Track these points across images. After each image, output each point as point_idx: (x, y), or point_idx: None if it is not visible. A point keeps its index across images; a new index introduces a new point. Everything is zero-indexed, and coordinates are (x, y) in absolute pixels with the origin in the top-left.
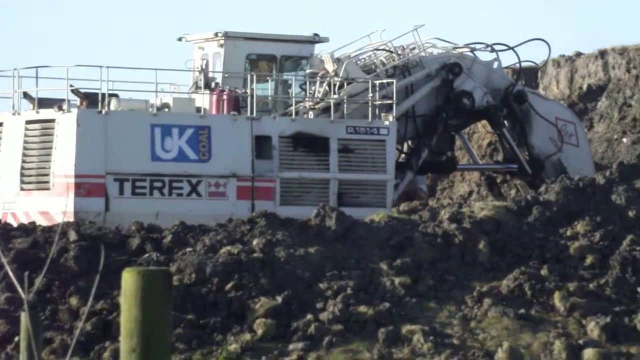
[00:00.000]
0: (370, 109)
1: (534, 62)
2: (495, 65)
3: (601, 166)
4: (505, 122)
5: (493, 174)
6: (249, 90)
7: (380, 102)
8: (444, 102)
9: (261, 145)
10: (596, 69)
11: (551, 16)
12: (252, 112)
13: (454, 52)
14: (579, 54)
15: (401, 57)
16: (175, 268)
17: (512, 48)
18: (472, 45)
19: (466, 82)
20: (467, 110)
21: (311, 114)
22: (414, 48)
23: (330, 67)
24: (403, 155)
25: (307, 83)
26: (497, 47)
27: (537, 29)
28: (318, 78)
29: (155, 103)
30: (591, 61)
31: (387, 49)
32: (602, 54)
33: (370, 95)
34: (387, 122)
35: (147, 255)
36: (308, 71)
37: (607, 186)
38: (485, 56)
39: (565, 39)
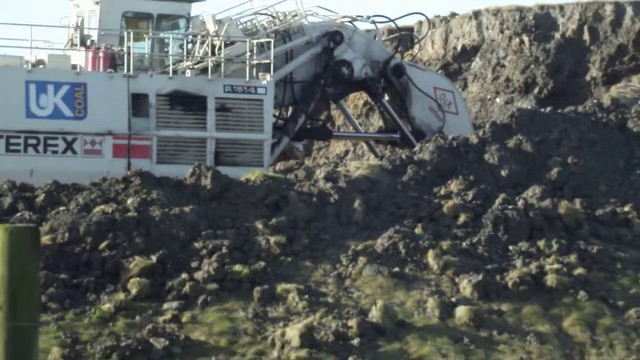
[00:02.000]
0: (247, 69)
1: (414, 35)
2: (375, 37)
3: (475, 126)
4: (385, 94)
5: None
6: (125, 48)
7: (257, 62)
8: (323, 70)
9: (138, 103)
10: (470, 29)
11: None
12: (128, 70)
13: (335, 21)
14: (453, 15)
15: (283, 22)
16: (48, 227)
17: (392, 20)
18: (353, 17)
19: (346, 52)
20: (346, 79)
21: (189, 74)
22: (295, 15)
23: (211, 27)
24: (280, 122)
25: (186, 42)
26: (377, 19)
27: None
28: (198, 38)
29: (30, 60)
30: (465, 22)
31: (269, 13)
32: (476, 14)
33: (249, 53)
34: (264, 82)
35: (19, 214)
36: (189, 31)
37: (480, 145)
38: (365, 28)
39: None
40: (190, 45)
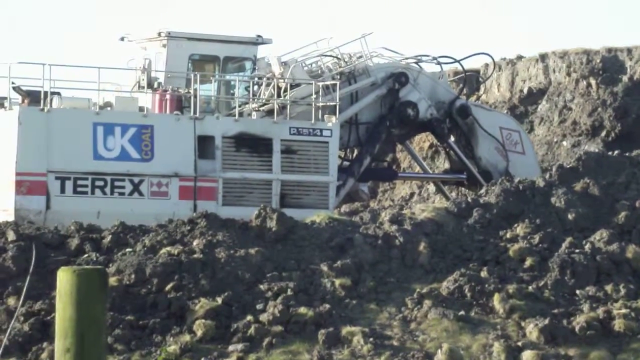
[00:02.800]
0: (313, 111)
1: (480, 76)
2: (441, 77)
3: (542, 169)
4: (451, 134)
5: (442, 184)
6: (192, 91)
7: (323, 104)
8: (389, 111)
9: (204, 145)
10: (537, 72)
11: (493, 19)
12: (195, 112)
13: (400, 62)
14: (520, 57)
15: (348, 64)
16: (114, 268)
17: (458, 61)
18: (418, 57)
19: (411, 93)
20: (411, 120)
21: (256, 116)
22: (360, 56)
23: (276, 69)
24: (346, 162)
25: (252, 84)
26: (442, 60)
27: (479, 32)
28: (264, 80)
29: (97, 102)
30: (532, 64)
31: (334, 55)
32: (543, 57)
33: (314, 96)
34: (330, 124)
35: (86, 255)
36: (255, 73)
37: (547, 189)
38: (430, 68)
39: (506, 42)
40: (255, 87)
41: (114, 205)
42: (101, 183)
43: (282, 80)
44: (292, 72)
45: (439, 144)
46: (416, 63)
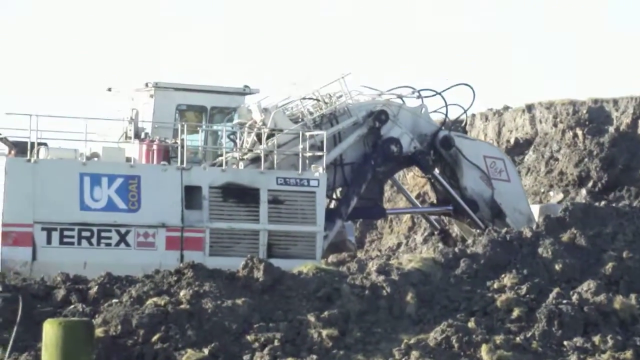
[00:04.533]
0: (300, 160)
1: (461, 106)
2: (422, 110)
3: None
4: (435, 166)
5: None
6: (179, 141)
7: (310, 154)
8: (372, 149)
9: (191, 196)
10: (523, 122)
11: (479, 70)
12: (182, 162)
13: (380, 99)
14: (506, 108)
15: (328, 105)
16: (101, 319)
17: (439, 93)
18: (399, 91)
19: (393, 129)
20: (395, 157)
21: (241, 164)
22: (340, 96)
23: (257, 117)
24: (333, 203)
25: (237, 133)
26: (423, 93)
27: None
28: (246, 128)
29: (84, 152)
30: (518, 115)
31: (314, 97)
32: (530, 107)
33: (301, 146)
34: (317, 174)
35: (72, 306)
36: (236, 121)
37: (534, 239)
38: (412, 102)
39: (493, 93)
40: (238, 135)
41: (101, 256)
42: (88, 234)
43: (266, 128)
44: (273, 118)
45: (424, 175)
46: (398, 97)
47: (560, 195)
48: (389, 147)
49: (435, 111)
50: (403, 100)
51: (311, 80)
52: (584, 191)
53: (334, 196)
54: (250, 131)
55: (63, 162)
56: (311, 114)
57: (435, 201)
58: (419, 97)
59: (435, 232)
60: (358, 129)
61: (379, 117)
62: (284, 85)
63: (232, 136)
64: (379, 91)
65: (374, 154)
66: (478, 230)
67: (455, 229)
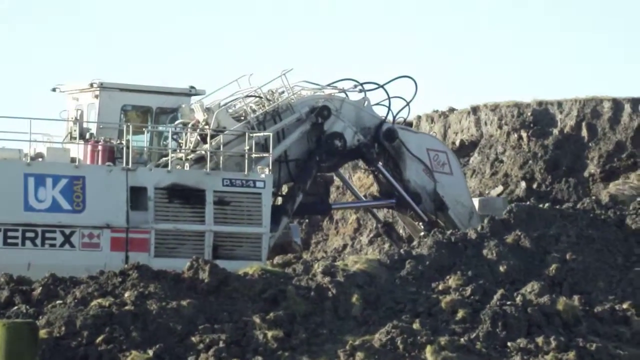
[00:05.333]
0: (246, 161)
1: (404, 98)
2: (365, 103)
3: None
4: (379, 158)
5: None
6: (124, 141)
7: (256, 155)
8: (316, 145)
9: (136, 196)
10: (469, 124)
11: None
12: (127, 163)
13: (322, 93)
14: (452, 110)
15: (271, 102)
16: (44, 321)
17: (381, 86)
18: (341, 85)
19: (336, 124)
20: (340, 151)
21: (186, 165)
22: (283, 92)
23: (200, 116)
24: (279, 199)
25: (181, 133)
26: (366, 86)
27: (412, 84)
28: (189, 128)
29: (29, 152)
30: (464, 117)
31: (257, 94)
32: (475, 109)
33: (247, 147)
34: (263, 175)
35: (15, 308)
36: (178, 121)
37: (479, 241)
38: (355, 95)
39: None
40: (182, 135)
41: (45, 257)
42: (32, 234)
43: (208, 127)
44: (216, 117)
45: (368, 168)
46: (341, 91)
47: (500, 188)
48: (332, 142)
49: (378, 104)
50: (346, 94)
51: (253, 77)
52: (523, 184)
53: (280, 193)
54: (193, 131)
55: (7, 162)
56: (254, 111)
57: (378, 194)
58: (362, 90)
59: (379, 226)
60: (301, 125)
61: (321, 112)
62: (226, 84)
63: (175, 136)
64: (321, 86)
65: (318, 149)
66: (421, 223)
67: (400, 223)
